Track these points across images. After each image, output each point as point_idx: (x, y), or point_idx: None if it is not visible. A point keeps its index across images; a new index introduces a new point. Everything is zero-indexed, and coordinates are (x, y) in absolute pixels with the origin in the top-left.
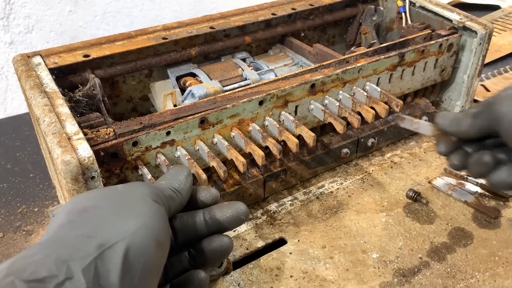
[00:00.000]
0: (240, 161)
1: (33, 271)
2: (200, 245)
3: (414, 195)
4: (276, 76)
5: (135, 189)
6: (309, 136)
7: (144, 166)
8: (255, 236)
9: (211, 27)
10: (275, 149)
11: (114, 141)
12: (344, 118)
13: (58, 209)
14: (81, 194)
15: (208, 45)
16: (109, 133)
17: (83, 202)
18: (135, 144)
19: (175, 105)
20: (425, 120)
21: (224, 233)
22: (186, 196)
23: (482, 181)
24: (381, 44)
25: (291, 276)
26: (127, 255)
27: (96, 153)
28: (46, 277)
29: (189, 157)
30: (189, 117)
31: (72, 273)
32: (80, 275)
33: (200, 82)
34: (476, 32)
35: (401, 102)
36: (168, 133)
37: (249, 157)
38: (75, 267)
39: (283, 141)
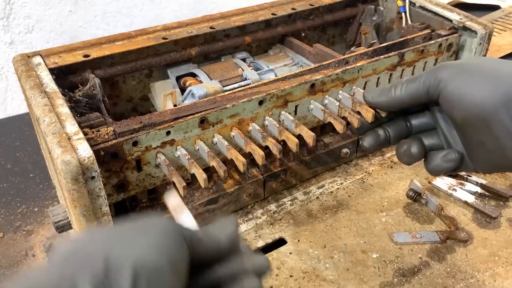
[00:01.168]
0: (240, 161)
1: None
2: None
3: (414, 195)
4: (276, 76)
5: (153, 218)
6: (309, 136)
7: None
8: (255, 236)
9: (211, 27)
10: (275, 148)
11: (114, 141)
12: (344, 118)
13: (59, 209)
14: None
15: (208, 45)
16: (109, 133)
17: (89, 235)
18: (135, 144)
19: (175, 105)
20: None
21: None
22: (225, 245)
23: (482, 181)
24: (381, 44)
25: (291, 276)
26: (136, 273)
27: (96, 153)
28: None
29: (189, 157)
30: (189, 117)
31: (75, 285)
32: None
33: (200, 82)
34: (476, 32)
35: None
36: (168, 132)
37: (249, 157)
38: (80, 281)
39: (283, 140)
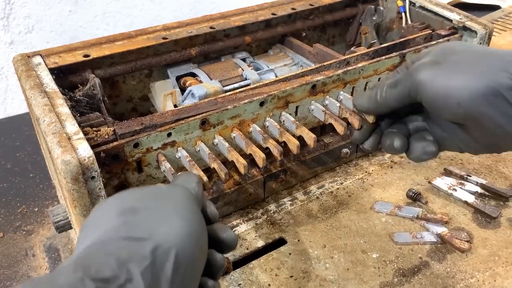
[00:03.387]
0: (241, 163)
1: (98, 270)
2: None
3: (414, 195)
4: (276, 76)
5: (179, 192)
6: (309, 138)
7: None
8: (255, 236)
9: (211, 27)
10: (275, 150)
11: (115, 143)
12: (345, 119)
13: (59, 209)
14: (125, 191)
15: (208, 45)
16: (109, 133)
17: (132, 202)
18: (136, 145)
19: (175, 105)
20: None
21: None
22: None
23: (482, 181)
24: (381, 44)
25: (291, 276)
26: (178, 261)
27: (97, 154)
28: (110, 277)
29: (189, 158)
30: (190, 118)
31: (131, 275)
32: (139, 278)
33: (200, 82)
34: (476, 32)
35: None
36: (169, 134)
37: (249, 157)
38: (134, 269)
39: (284, 141)
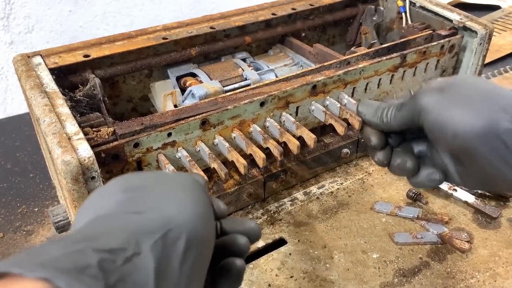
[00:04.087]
0: (241, 163)
1: (103, 241)
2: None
3: (414, 195)
4: (276, 76)
5: (187, 177)
6: (310, 138)
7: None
8: None
9: (211, 27)
10: (276, 151)
11: (115, 143)
12: (345, 120)
13: (59, 209)
14: (129, 174)
15: (208, 45)
16: (109, 133)
17: (137, 181)
18: (136, 145)
19: (175, 105)
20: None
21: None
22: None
23: None
24: (381, 44)
25: (291, 277)
26: (189, 239)
27: (97, 154)
28: (116, 249)
29: (190, 158)
30: (190, 118)
31: (140, 249)
32: (149, 252)
33: (200, 82)
34: (476, 32)
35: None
36: (169, 134)
37: (249, 157)
38: (143, 242)
39: (284, 142)
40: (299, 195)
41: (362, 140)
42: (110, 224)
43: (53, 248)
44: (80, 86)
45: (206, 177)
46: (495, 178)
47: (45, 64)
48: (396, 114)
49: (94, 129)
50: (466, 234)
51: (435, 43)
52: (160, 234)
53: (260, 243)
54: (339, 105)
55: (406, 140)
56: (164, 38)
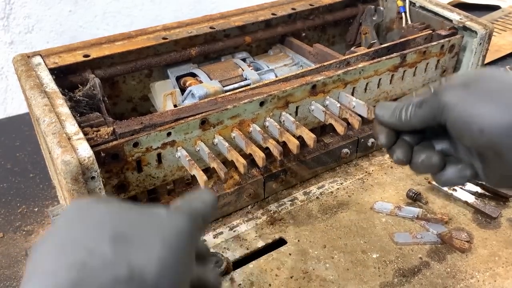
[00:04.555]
0: (241, 163)
1: None
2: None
3: (414, 195)
4: (276, 76)
5: (180, 228)
6: (309, 138)
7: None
8: (255, 236)
9: (211, 27)
10: (275, 150)
11: (115, 142)
12: (345, 119)
13: (59, 209)
14: (119, 208)
15: (208, 45)
16: (109, 132)
17: (127, 226)
18: (135, 145)
19: (175, 105)
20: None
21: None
22: (208, 222)
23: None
24: (381, 44)
25: (291, 277)
26: None
27: (96, 154)
28: None
29: (189, 158)
30: (190, 118)
31: None
32: None
33: (200, 82)
34: (476, 32)
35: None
36: (169, 134)
37: (249, 157)
38: None
39: (284, 141)
40: (299, 195)
41: (362, 140)
42: None
43: None
44: (80, 86)
45: (205, 177)
46: None
47: (45, 64)
48: (417, 112)
49: (93, 129)
50: (466, 234)
51: (435, 43)
52: None
53: (260, 243)
54: (339, 104)
55: (425, 138)
56: (164, 38)
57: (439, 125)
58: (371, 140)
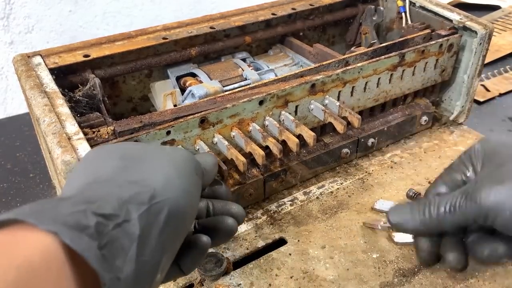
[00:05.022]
0: (240, 161)
1: (100, 205)
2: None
3: (414, 195)
4: (276, 76)
5: (182, 153)
6: (309, 136)
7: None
8: (255, 236)
9: (211, 27)
10: (275, 148)
11: (114, 141)
12: (345, 118)
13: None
14: (127, 142)
15: (208, 45)
16: (109, 133)
17: (134, 151)
18: None
19: (175, 105)
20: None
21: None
22: (210, 181)
23: None
24: (381, 44)
25: (291, 277)
26: (170, 214)
27: None
28: (110, 214)
29: None
30: (189, 117)
31: (130, 216)
32: (136, 220)
33: (200, 82)
34: (476, 32)
35: None
36: (168, 132)
37: (249, 157)
38: (132, 211)
39: (283, 140)
40: (299, 195)
41: (363, 140)
42: (107, 190)
43: (61, 206)
44: (80, 86)
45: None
46: None
47: (45, 64)
48: (448, 217)
49: (94, 129)
50: None
51: (433, 42)
52: (146, 206)
53: (260, 243)
54: (338, 103)
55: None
56: (164, 38)
57: (478, 226)
58: (371, 140)
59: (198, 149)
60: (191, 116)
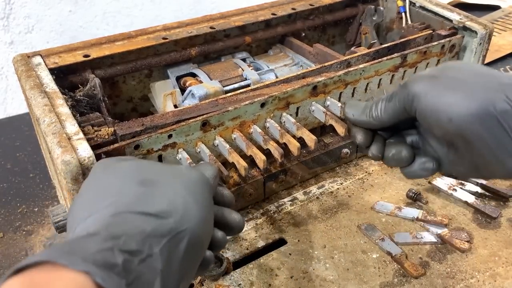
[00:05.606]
0: (241, 165)
1: (125, 242)
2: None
3: (414, 195)
4: (276, 76)
5: (197, 176)
6: (310, 139)
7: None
8: (255, 236)
9: (211, 27)
10: (276, 152)
11: (116, 145)
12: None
13: (59, 209)
14: (143, 162)
15: (208, 45)
16: (110, 133)
17: (152, 174)
18: (136, 147)
19: (175, 105)
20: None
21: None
22: (213, 193)
23: (482, 181)
24: (381, 44)
25: (291, 277)
26: (189, 242)
27: (97, 156)
28: (134, 251)
29: (190, 160)
30: (191, 120)
31: (152, 251)
32: (158, 254)
33: (200, 82)
34: (476, 32)
35: None
36: (170, 136)
37: (249, 157)
38: (154, 246)
39: (284, 142)
40: (299, 195)
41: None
42: (130, 225)
43: (89, 244)
44: (80, 86)
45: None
46: (489, 163)
47: (45, 64)
48: (387, 106)
49: (94, 129)
50: (466, 234)
51: (435, 43)
52: (167, 238)
53: (260, 243)
54: (339, 105)
55: (398, 131)
56: (164, 38)
57: (409, 117)
58: None
59: (199, 151)
60: (193, 119)
